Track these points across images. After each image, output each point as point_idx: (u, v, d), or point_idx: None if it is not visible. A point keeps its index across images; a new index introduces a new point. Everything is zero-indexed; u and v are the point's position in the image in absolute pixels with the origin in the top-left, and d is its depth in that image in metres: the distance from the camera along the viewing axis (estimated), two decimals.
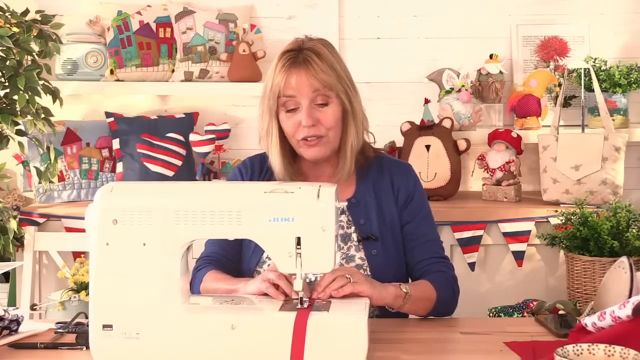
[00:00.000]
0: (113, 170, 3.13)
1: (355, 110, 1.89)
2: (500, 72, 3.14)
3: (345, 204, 1.92)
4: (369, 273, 1.84)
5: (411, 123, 3.04)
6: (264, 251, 1.87)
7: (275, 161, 1.89)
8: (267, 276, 1.61)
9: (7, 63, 2.65)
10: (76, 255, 2.85)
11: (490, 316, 2.48)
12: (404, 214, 1.93)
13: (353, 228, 1.89)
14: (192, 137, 3.09)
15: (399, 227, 1.92)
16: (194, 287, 1.87)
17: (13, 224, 2.69)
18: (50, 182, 2.86)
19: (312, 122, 1.82)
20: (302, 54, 1.84)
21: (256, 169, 1.98)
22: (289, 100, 1.83)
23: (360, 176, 1.95)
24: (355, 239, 1.89)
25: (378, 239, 1.88)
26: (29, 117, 2.69)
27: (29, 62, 2.74)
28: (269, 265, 1.85)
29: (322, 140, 1.85)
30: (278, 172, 1.90)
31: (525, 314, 2.40)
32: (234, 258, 1.92)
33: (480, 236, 2.80)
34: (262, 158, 1.98)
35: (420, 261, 1.90)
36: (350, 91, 1.89)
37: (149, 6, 3.22)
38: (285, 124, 1.86)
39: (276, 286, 1.59)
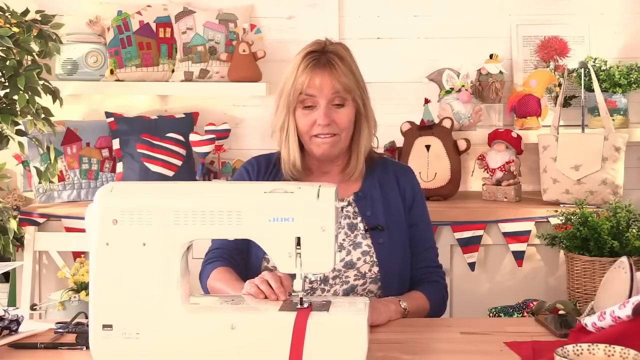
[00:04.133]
0: (113, 170, 3.13)
1: (368, 113, 2.00)
2: (500, 72, 3.13)
3: (345, 203, 1.98)
4: (375, 260, 1.93)
5: (411, 123, 3.04)
6: (263, 254, 1.91)
7: (293, 154, 1.96)
8: (254, 281, 1.64)
9: (7, 63, 2.65)
10: (76, 255, 2.85)
11: (490, 316, 2.48)
12: (410, 216, 2.03)
13: (359, 218, 1.97)
14: (192, 137, 3.09)
15: (404, 218, 2.01)
16: (202, 280, 1.95)
17: (13, 224, 2.69)
18: (50, 182, 2.86)
19: (328, 122, 1.91)
20: (325, 56, 1.93)
21: (262, 168, 2.04)
22: (307, 99, 1.92)
23: (367, 173, 2.03)
24: (362, 229, 1.96)
25: (384, 229, 1.96)
26: (29, 117, 2.69)
27: (29, 62, 2.74)
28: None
29: (334, 138, 1.93)
30: (292, 164, 1.97)
31: (525, 314, 2.40)
32: (243, 249, 1.97)
33: (480, 236, 2.80)
34: (268, 158, 2.07)
35: (419, 268, 2.02)
36: (365, 95, 1.99)
37: (149, 6, 3.22)
38: (301, 120, 1.94)
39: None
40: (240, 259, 1.96)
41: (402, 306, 1.84)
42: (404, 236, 2.00)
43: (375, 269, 1.94)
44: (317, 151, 1.95)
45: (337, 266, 1.90)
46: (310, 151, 1.97)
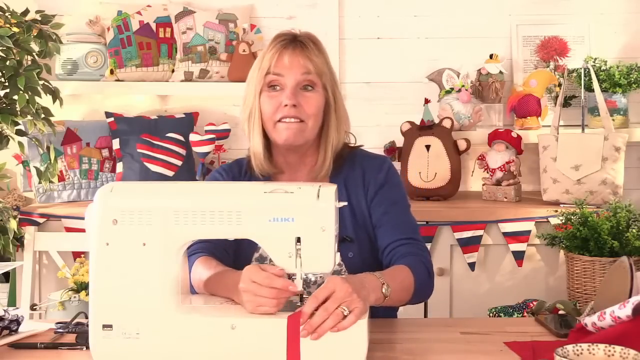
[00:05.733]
0: (113, 170, 3.13)
1: (338, 106, 1.86)
2: (500, 72, 3.14)
3: (345, 203, 1.89)
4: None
5: (411, 123, 3.05)
6: (251, 257, 1.83)
7: (257, 145, 1.82)
8: (258, 292, 1.46)
9: (7, 63, 2.66)
10: (76, 255, 2.85)
11: (490, 316, 2.48)
12: (372, 207, 1.85)
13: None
14: (192, 137, 3.09)
15: (371, 225, 1.85)
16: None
17: (13, 224, 2.69)
18: (50, 182, 2.86)
19: (294, 102, 1.77)
20: (298, 38, 1.82)
21: (235, 174, 1.93)
22: (275, 80, 1.79)
23: (333, 175, 1.88)
24: None
25: (353, 241, 1.82)
26: (29, 117, 2.69)
27: (29, 62, 2.74)
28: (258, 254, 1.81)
29: (299, 125, 1.79)
30: (258, 154, 1.83)
31: (525, 314, 2.40)
32: (227, 246, 1.82)
33: (480, 236, 2.80)
34: (239, 164, 1.95)
35: (389, 244, 1.80)
36: (336, 88, 1.86)
37: (149, 6, 3.22)
38: (266, 103, 1.80)
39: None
40: (227, 246, 1.80)
41: (383, 292, 1.57)
42: (374, 246, 1.84)
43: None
44: (280, 138, 1.78)
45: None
46: (274, 141, 1.81)
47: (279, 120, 1.79)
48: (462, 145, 3.00)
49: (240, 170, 1.94)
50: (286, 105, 1.77)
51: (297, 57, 1.79)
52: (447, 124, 2.99)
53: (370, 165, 1.90)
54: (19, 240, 2.81)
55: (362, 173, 1.88)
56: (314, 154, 1.87)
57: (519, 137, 2.99)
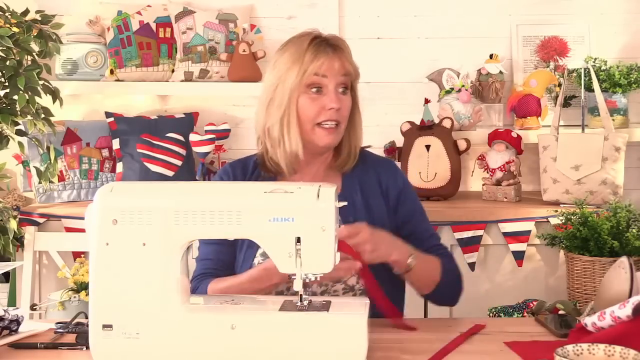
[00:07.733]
0: (113, 170, 3.13)
1: (360, 107, 1.92)
2: (500, 72, 3.14)
3: (345, 203, 1.90)
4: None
5: (411, 123, 3.05)
6: (254, 254, 1.85)
7: (295, 145, 1.81)
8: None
9: (7, 63, 2.65)
10: (76, 255, 2.85)
11: (490, 316, 2.48)
12: (399, 213, 1.91)
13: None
14: (192, 137, 3.09)
15: (388, 226, 1.86)
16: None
17: (13, 224, 2.69)
18: (50, 182, 2.86)
19: (339, 106, 1.80)
20: (331, 40, 1.84)
21: (238, 175, 1.93)
22: (317, 81, 1.80)
23: (346, 173, 1.92)
24: None
25: None
26: (29, 117, 2.69)
27: (29, 62, 2.74)
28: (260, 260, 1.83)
29: (337, 128, 1.83)
30: (291, 157, 1.83)
31: (525, 314, 2.40)
32: (229, 263, 1.87)
33: (480, 236, 2.80)
34: (244, 163, 1.96)
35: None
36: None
37: (149, 6, 3.22)
38: (308, 106, 1.80)
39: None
40: (229, 273, 1.85)
41: (408, 262, 1.72)
42: None
43: (362, 280, 1.79)
44: (322, 141, 1.82)
45: (324, 280, 1.77)
46: (312, 142, 1.83)
47: (319, 123, 1.81)
48: (462, 145, 3.00)
49: (245, 170, 1.94)
50: (331, 108, 1.80)
51: (340, 60, 1.82)
52: (447, 124, 2.99)
53: (381, 166, 1.95)
54: (19, 240, 2.81)
55: (375, 173, 1.92)
56: (329, 152, 1.90)
57: (519, 137, 2.99)
